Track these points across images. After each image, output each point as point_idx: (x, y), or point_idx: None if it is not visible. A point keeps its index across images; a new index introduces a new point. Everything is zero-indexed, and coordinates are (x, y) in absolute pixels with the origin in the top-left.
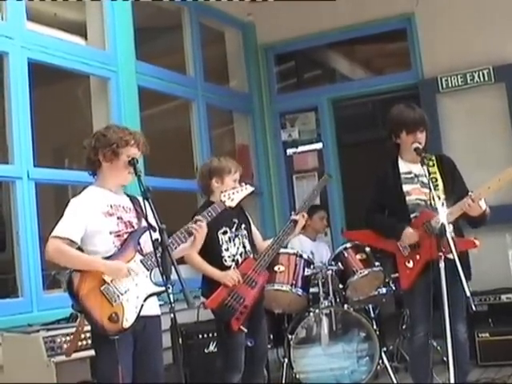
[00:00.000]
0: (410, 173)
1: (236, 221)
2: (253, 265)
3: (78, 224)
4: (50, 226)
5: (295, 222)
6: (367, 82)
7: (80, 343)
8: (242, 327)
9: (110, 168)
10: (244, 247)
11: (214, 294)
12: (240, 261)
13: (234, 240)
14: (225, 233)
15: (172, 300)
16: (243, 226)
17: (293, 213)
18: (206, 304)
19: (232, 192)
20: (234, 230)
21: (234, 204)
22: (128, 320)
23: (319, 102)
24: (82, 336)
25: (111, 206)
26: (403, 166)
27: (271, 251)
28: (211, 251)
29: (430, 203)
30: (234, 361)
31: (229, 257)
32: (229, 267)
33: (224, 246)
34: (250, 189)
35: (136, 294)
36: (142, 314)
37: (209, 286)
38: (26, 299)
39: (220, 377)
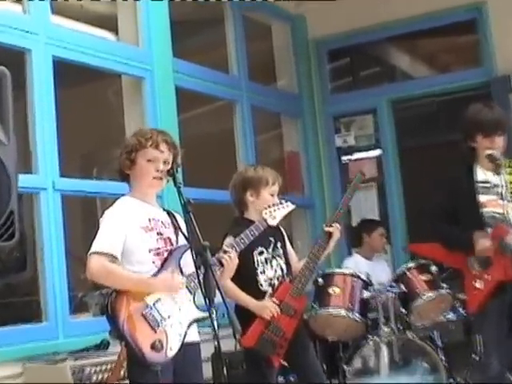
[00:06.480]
0: (486, 182)
1: (272, 240)
2: (289, 290)
3: (118, 239)
4: (77, 242)
5: (329, 234)
6: (431, 81)
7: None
8: (282, 362)
9: (134, 176)
10: (281, 270)
11: (250, 329)
12: (277, 285)
13: (271, 262)
14: (261, 253)
15: (216, 326)
16: (279, 244)
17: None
18: (241, 342)
19: (273, 209)
20: (270, 250)
21: (275, 223)
22: (172, 349)
23: (378, 103)
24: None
25: (150, 220)
26: (480, 174)
27: (308, 272)
28: (245, 274)
29: (508, 217)
30: None
31: (265, 281)
32: (265, 292)
33: (260, 269)
34: (291, 206)
35: (179, 319)
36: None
37: (243, 317)
38: (51, 324)
39: None
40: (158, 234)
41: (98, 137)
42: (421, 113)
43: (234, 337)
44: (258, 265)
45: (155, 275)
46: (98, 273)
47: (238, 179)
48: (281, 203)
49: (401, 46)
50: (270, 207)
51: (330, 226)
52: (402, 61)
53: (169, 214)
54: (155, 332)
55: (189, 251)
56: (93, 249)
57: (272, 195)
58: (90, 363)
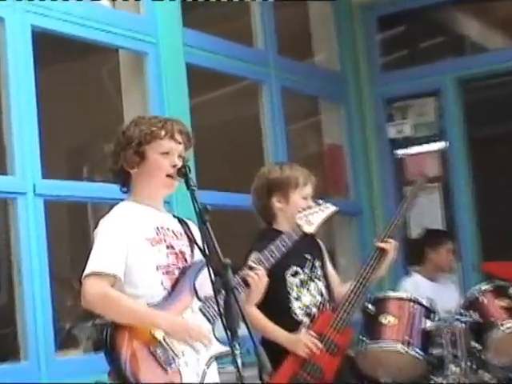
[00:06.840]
0: None
1: (310, 257)
2: (331, 321)
3: (120, 255)
4: (65, 260)
5: (382, 251)
6: (510, 54)
7: None
8: None
9: (139, 176)
10: (321, 295)
11: (281, 369)
12: (315, 314)
13: (308, 285)
14: (295, 274)
15: (240, 364)
16: (318, 263)
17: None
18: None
19: (309, 213)
20: (307, 270)
21: (313, 229)
22: None
23: (441, 82)
24: None
25: (158, 230)
26: None
27: (354, 298)
28: (276, 301)
29: None
30: None
31: (300, 309)
32: (300, 323)
33: (294, 294)
34: (331, 208)
35: (196, 355)
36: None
37: (273, 353)
38: (32, 363)
39: None
40: (167, 247)
41: (90, 128)
42: (496, 94)
43: (261, 378)
44: (291, 289)
45: (164, 300)
46: (94, 298)
47: (260, 182)
48: (318, 205)
49: (470, 10)
50: (305, 210)
51: (384, 241)
52: (471, 29)
53: (180, 221)
54: (166, 373)
55: (206, 269)
56: (88, 269)
57: (305, 199)
58: None
